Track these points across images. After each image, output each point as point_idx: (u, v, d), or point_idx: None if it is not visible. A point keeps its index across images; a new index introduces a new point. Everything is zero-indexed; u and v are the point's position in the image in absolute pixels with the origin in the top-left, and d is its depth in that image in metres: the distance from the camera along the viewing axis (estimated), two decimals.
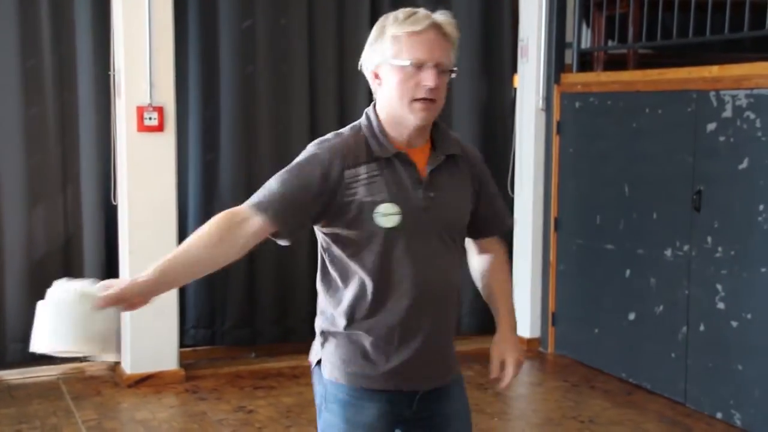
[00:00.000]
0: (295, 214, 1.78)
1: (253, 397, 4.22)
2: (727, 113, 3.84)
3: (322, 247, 1.89)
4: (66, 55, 4.48)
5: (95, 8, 4.44)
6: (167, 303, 4.39)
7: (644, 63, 4.81)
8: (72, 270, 4.56)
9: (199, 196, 4.73)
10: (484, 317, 5.29)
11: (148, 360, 4.37)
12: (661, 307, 4.23)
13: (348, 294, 1.83)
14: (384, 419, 1.86)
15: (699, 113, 3.99)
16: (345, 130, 1.87)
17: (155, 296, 1.76)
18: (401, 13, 1.80)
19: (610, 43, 5.00)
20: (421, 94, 1.76)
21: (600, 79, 4.70)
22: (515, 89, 5.20)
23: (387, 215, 1.77)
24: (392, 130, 1.82)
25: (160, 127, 4.30)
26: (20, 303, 4.44)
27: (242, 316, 4.82)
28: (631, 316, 4.42)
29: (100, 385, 4.38)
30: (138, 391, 4.27)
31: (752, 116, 3.74)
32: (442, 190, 1.84)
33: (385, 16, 1.84)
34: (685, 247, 4.06)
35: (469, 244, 2.04)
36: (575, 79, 4.84)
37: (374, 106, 1.87)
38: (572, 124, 4.83)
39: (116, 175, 4.47)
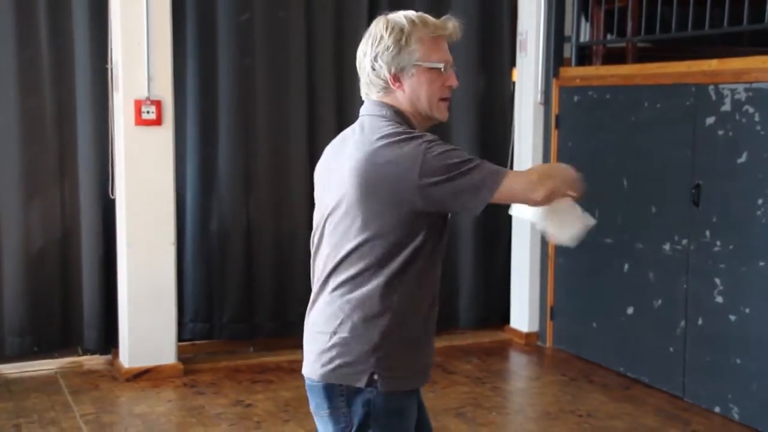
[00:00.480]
0: None
1: (252, 391, 4.22)
2: (726, 107, 3.84)
3: (398, 246, 1.80)
4: (63, 48, 4.46)
5: (93, 1, 4.43)
6: (165, 296, 4.40)
7: (643, 57, 4.80)
8: (69, 264, 4.55)
9: (197, 190, 4.72)
10: (482, 311, 5.30)
11: (147, 354, 4.36)
12: (660, 301, 4.23)
13: (418, 297, 1.83)
14: (413, 420, 1.90)
15: (698, 107, 3.98)
16: (401, 129, 1.82)
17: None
18: (417, 17, 1.85)
19: (608, 36, 4.99)
20: (447, 94, 1.88)
21: (599, 72, 4.70)
22: (514, 83, 5.20)
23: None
24: (419, 128, 1.89)
25: (157, 121, 4.29)
26: (18, 296, 4.43)
27: (240, 310, 4.82)
28: (630, 310, 4.42)
29: (98, 379, 4.38)
30: (136, 385, 4.27)
31: (751, 110, 3.73)
32: None
33: (388, 20, 1.86)
34: (684, 241, 4.06)
35: None
36: (574, 72, 4.83)
37: (388, 104, 1.87)
38: (571, 118, 4.82)
39: (114, 168, 4.46)
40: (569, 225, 1.90)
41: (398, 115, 1.86)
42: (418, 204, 1.76)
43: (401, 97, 1.87)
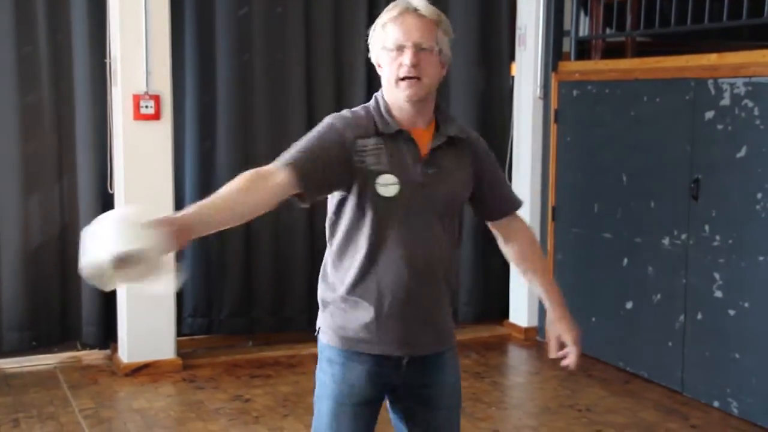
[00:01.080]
0: (317, 171, 1.86)
1: (250, 386, 4.22)
2: (726, 101, 3.83)
3: (331, 218, 2.00)
4: (62, 43, 4.45)
5: None
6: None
7: (642, 51, 4.80)
8: (68, 259, 4.54)
9: (196, 185, 4.71)
10: (481, 306, 5.30)
11: (145, 349, 4.36)
12: (659, 296, 4.23)
13: (347, 261, 1.95)
14: (371, 381, 1.97)
15: (697, 101, 3.98)
16: (356, 108, 2.01)
17: (190, 236, 1.72)
18: (391, 4, 1.98)
19: (608, 31, 4.99)
20: (403, 73, 1.91)
21: (598, 67, 4.69)
22: (513, 77, 5.19)
23: (386, 185, 1.90)
24: (395, 111, 1.96)
25: (156, 116, 4.28)
26: (16, 291, 4.43)
27: (239, 306, 4.82)
28: (629, 305, 4.42)
29: (97, 374, 4.38)
30: (135, 380, 4.27)
31: (750, 104, 3.73)
32: (441, 168, 1.95)
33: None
34: (683, 236, 4.06)
35: (495, 231, 2.16)
36: (573, 67, 4.82)
37: (380, 92, 2.02)
38: (570, 112, 4.82)
39: (112, 163, 4.46)
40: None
41: (376, 101, 1.99)
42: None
43: (382, 81, 2.00)
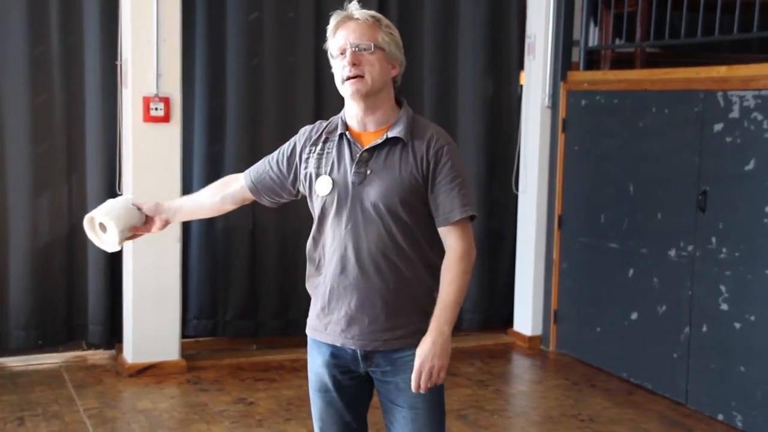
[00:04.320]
0: (266, 180, 2.23)
1: (254, 389, 4.23)
2: (735, 114, 3.83)
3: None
4: (73, 44, 4.48)
5: None
6: (169, 293, 4.41)
7: (652, 62, 4.80)
8: (75, 259, 4.57)
9: (204, 187, 4.72)
10: (486, 314, 5.29)
11: (150, 350, 4.38)
12: (664, 307, 4.22)
13: (310, 256, 2.17)
14: (327, 368, 2.13)
15: (706, 113, 3.98)
16: (335, 116, 2.19)
17: (168, 219, 2.38)
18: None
19: (617, 41, 4.99)
20: (346, 73, 2.04)
21: (607, 77, 4.69)
22: (521, 86, 5.19)
23: (322, 186, 2.09)
24: (349, 115, 2.12)
25: (165, 118, 4.30)
26: (24, 290, 4.45)
27: (244, 308, 4.82)
28: (634, 316, 4.41)
29: (102, 373, 4.39)
30: (139, 381, 4.28)
31: (759, 117, 3.73)
32: (376, 168, 2.06)
33: None
34: (690, 248, 4.06)
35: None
36: (582, 77, 4.83)
37: None
38: (578, 122, 4.82)
39: (121, 165, 4.48)
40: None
41: (342, 110, 2.15)
42: None
43: None
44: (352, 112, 2.10)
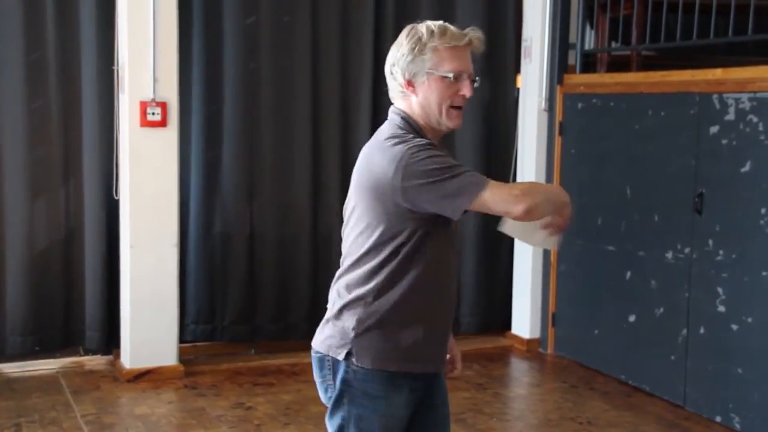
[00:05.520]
0: None
1: (252, 393, 4.22)
2: (730, 116, 3.84)
3: (385, 235, 1.93)
4: (70, 49, 4.47)
5: (100, 2, 4.44)
6: (167, 298, 4.40)
7: (647, 65, 4.81)
8: (72, 264, 4.56)
9: (201, 192, 4.73)
10: (484, 317, 5.30)
11: (148, 355, 4.37)
12: (662, 310, 4.22)
13: (406, 281, 1.93)
14: (410, 404, 1.99)
15: (702, 116, 3.99)
16: (401, 133, 1.95)
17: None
18: (436, 27, 1.96)
19: (613, 44, 5.00)
20: (458, 102, 1.96)
21: (603, 80, 4.70)
22: (518, 89, 5.20)
23: None
24: (429, 133, 1.99)
25: (162, 123, 4.30)
26: (21, 296, 4.44)
27: (242, 313, 4.82)
28: (632, 318, 4.42)
29: (99, 379, 4.38)
30: (137, 386, 4.27)
31: (755, 119, 3.74)
32: None
33: (412, 27, 1.99)
34: (686, 250, 4.06)
35: None
36: (578, 80, 4.84)
37: (402, 110, 2.00)
38: (575, 125, 4.83)
39: (118, 169, 4.47)
40: (532, 240, 2.06)
41: (406, 121, 1.98)
42: (399, 202, 1.89)
43: (414, 103, 1.98)
44: (433, 132, 1.99)
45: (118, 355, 4.53)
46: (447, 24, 1.98)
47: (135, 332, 4.36)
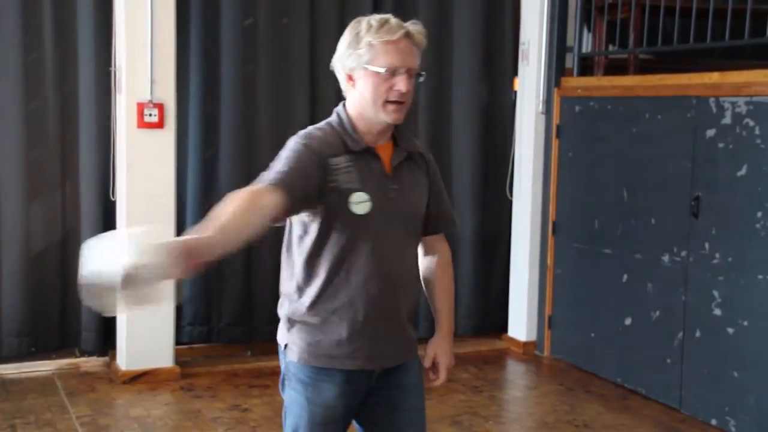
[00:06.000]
0: (301, 191, 1.86)
1: (249, 395, 4.22)
2: (727, 120, 3.85)
3: (298, 234, 2.00)
4: (67, 50, 4.47)
5: (97, 3, 4.44)
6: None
7: (645, 68, 4.82)
8: (69, 265, 4.55)
9: (198, 193, 4.73)
10: (480, 320, 5.30)
11: (144, 357, 4.36)
12: (658, 313, 4.23)
13: (317, 278, 1.97)
14: (342, 399, 2.00)
15: (698, 119, 3.99)
16: (321, 125, 2.02)
17: (200, 259, 1.64)
18: (375, 21, 1.95)
19: (610, 47, 5.01)
20: (394, 98, 1.93)
21: (600, 83, 4.71)
22: (515, 92, 5.21)
23: (359, 203, 1.92)
24: (362, 128, 1.98)
25: (160, 124, 4.30)
26: (17, 297, 4.43)
27: (238, 314, 4.82)
28: (628, 321, 4.42)
29: (95, 381, 4.38)
30: (133, 388, 4.27)
31: (751, 123, 3.74)
32: (404, 183, 2.00)
33: (357, 21, 1.99)
34: (683, 253, 4.07)
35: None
36: (575, 83, 4.84)
37: (344, 105, 2.03)
38: (572, 128, 4.84)
39: (115, 171, 4.47)
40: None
41: (340, 117, 2.00)
42: None
43: (353, 97, 1.99)
44: (370, 127, 1.96)
45: (114, 357, 4.53)
46: (390, 17, 1.95)
47: (131, 334, 4.35)
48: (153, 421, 3.86)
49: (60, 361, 4.58)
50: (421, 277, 2.15)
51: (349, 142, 1.95)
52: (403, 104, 1.94)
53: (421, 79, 1.98)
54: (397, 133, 2.03)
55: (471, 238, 5.20)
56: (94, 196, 4.53)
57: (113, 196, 4.49)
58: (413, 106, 5.01)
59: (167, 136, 4.34)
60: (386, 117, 1.94)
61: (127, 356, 4.36)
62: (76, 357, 4.64)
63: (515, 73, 5.20)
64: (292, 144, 1.95)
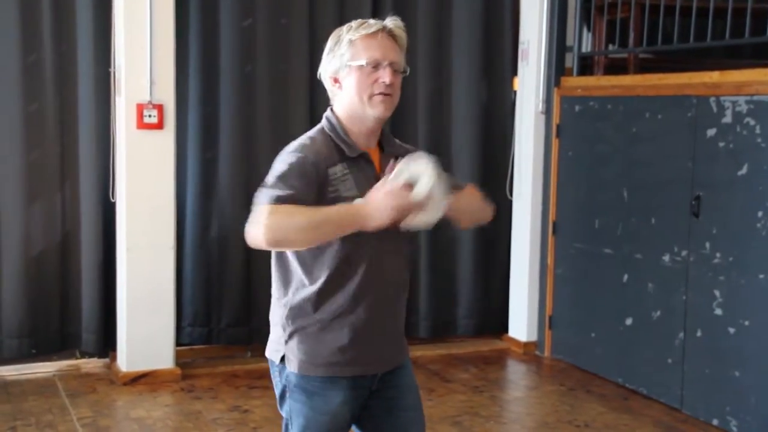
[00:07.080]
0: (310, 203, 1.87)
1: (249, 396, 4.21)
2: (727, 119, 3.84)
3: None
4: (67, 52, 4.47)
5: (96, 5, 4.44)
6: (164, 301, 4.39)
7: (645, 67, 4.81)
8: (69, 267, 4.55)
9: (198, 194, 4.72)
10: (480, 320, 5.29)
11: (144, 358, 4.36)
12: (659, 313, 4.22)
13: (316, 286, 1.96)
14: (349, 405, 2.00)
15: (699, 119, 3.99)
16: (312, 134, 2.02)
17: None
18: (354, 22, 1.99)
19: (610, 47, 5.00)
20: (379, 90, 1.93)
21: (600, 83, 4.70)
22: (515, 92, 5.20)
23: None
24: (353, 131, 1.98)
25: (159, 125, 4.29)
26: (17, 299, 4.43)
27: (239, 315, 4.81)
28: (628, 321, 4.41)
29: (96, 382, 4.37)
30: (133, 389, 4.26)
31: (752, 122, 3.74)
32: None
33: (338, 28, 2.02)
34: (684, 253, 4.06)
35: None
36: (575, 82, 4.84)
37: (332, 109, 2.04)
38: (572, 127, 4.83)
39: (115, 172, 4.47)
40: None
41: (330, 122, 2.00)
42: None
43: (341, 99, 2.00)
44: (360, 130, 1.97)
45: (114, 358, 4.53)
46: (368, 19, 1.99)
47: (131, 335, 4.35)
48: (153, 422, 3.86)
49: (60, 363, 4.58)
50: None
51: (344, 149, 1.96)
52: (389, 96, 1.94)
53: (406, 74, 1.99)
54: (382, 138, 2.05)
55: (471, 238, 5.19)
56: (93, 197, 4.53)
57: (113, 197, 4.49)
58: (413, 106, 5.09)
59: (167, 137, 4.33)
60: (373, 111, 1.94)
61: (128, 357, 4.35)
62: (77, 358, 4.64)
63: (515, 72, 5.19)
64: (290, 158, 1.93)
